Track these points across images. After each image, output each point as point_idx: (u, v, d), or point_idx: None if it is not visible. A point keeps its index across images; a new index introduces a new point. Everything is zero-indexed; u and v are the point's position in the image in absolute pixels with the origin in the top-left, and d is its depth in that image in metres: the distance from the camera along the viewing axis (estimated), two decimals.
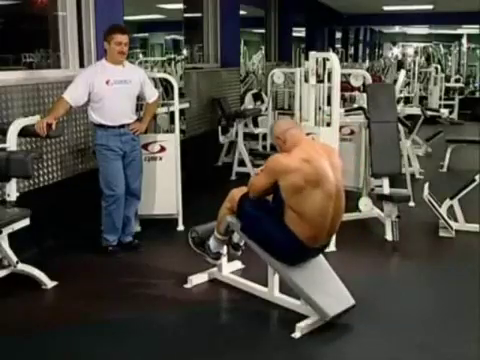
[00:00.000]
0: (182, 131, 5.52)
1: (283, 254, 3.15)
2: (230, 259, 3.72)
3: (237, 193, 3.30)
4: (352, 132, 5.28)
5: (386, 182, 4.75)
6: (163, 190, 4.64)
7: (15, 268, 3.46)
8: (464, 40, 17.78)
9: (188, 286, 3.62)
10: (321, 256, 3.34)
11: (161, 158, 4.64)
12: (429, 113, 7.22)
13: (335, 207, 3.06)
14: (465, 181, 4.72)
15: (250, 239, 3.25)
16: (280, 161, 3.06)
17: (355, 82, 5.66)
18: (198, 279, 3.66)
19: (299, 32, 13.52)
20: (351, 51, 18.75)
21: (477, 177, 4.61)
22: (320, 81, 4.50)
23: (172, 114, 4.85)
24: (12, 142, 3.53)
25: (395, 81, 9.20)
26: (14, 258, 3.44)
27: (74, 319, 3.19)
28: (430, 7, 12.86)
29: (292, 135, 3.13)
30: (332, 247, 4.15)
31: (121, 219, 4.15)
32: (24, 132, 3.65)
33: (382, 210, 4.71)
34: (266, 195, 3.22)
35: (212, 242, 3.50)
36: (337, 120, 4.20)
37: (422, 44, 18.27)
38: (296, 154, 3.03)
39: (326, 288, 3.20)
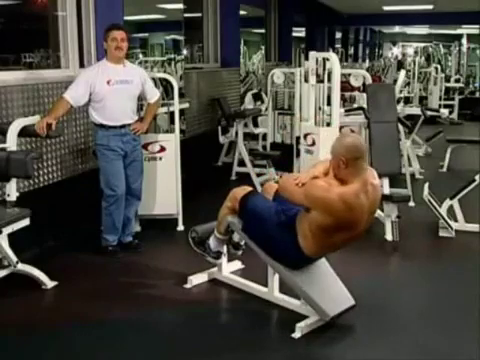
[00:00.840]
0: (182, 131, 5.52)
1: (284, 259, 3.14)
2: (230, 259, 3.72)
3: (239, 192, 3.29)
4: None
5: (386, 182, 4.75)
6: (163, 190, 4.64)
7: (15, 268, 3.46)
8: (464, 40, 17.79)
9: (188, 286, 3.62)
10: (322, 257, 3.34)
11: (161, 158, 4.64)
12: (429, 113, 7.22)
13: (351, 241, 3.04)
14: (465, 181, 4.72)
15: (251, 239, 3.25)
16: (323, 194, 2.79)
17: (355, 82, 5.67)
18: (198, 279, 3.66)
19: (299, 32, 13.52)
20: (351, 51, 18.75)
21: (477, 177, 4.62)
22: (320, 81, 4.51)
23: (172, 114, 4.85)
24: (12, 142, 3.53)
25: (395, 81, 9.21)
26: (14, 258, 3.44)
27: (74, 319, 3.19)
28: (430, 7, 12.85)
29: (358, 168, 2.83)
30: None
31: (121, 219, 4.15)
32: (24, 132, 3.65)
33: (382, 210, 4.71)
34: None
35: (212, 242, 3.50)
36: (337, 120, 4.21)
37: (422, 44, 18.28)
38: (342, 194, 2.77)
39: (326, 288, 3.20)
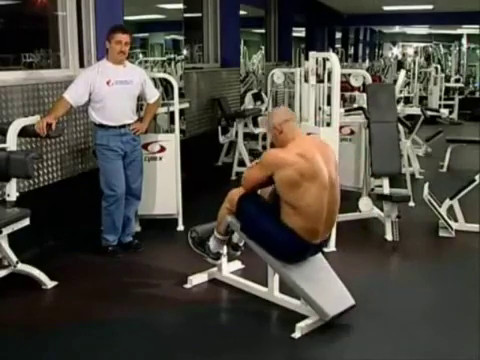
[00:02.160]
0: (182, 131, 5.52)
1: (282, 251, 3.15)
2: (230, 259, 3.72)
3: (236, 193, 3.29)
4: (352, 132, 5.29)
5: (386, 182, 4.75)
6: (163, 190, 4.64)
7: (15, 268, 3.46)
8: (464, 40, 17.79)
9: (188, 286, 3.61)
10: (321, 256, 3.35)
11: (161, 158, 4.64)
12: (429, 113, 7.22)
13: (330, 198, 3.07)
14: (465, 181, 4.72)
15: (250, 239, 3.25)
16: (277, 155, 3.07)
17: (355, 82, 5.66)
18: (198, 279, 3.66)
19: (299, 32, 13.53)
20: (351, 51, 18.76)
21: (477, 177, 4.62)
22: (320, 81, 4.50)
23: (172, 114, 4.85)
24: (12, 142, 3.53)
25: (395, 81, 9.21)
26: (14, 258, 3.44)
27: (74, 319, 3.19)
28: (430, 7, 12.86)
29: (289, 128, 3.13)
30: (332, 247, 4.16)
31: (121, 219, 4.15)
32: (24, 132, 3.65)
33: (382, 210, 4.71)
34: (260, 188, 3.27)
35: (212, 242, 3.50)
36: (337, 120, 4.20)
37: (422, 44, 18.29)
38: (291, 149, 3.05)
39: (326, 288, 3.21)
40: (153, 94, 4.26)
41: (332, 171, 3.10)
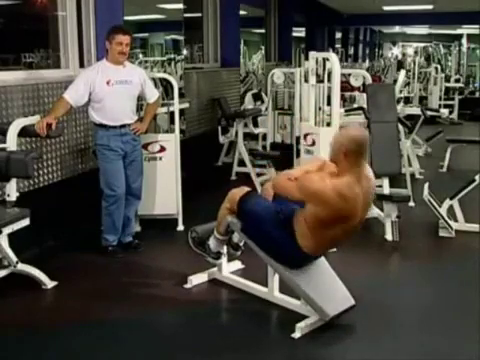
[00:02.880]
0: (182, 131, 5.52)
1: (284, 258, 3.14)
2: (230, 259, 3.72)
3: (237, 193, 3.29)
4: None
5: (386, 182, 4.75)
6: (163, 190, 4.64)
7: (15, 268, 3.46)
8: (464, 40, 17.79)
9: (188, 286, 3.61)
10: (321, 256, 3.34)
11: (161, 158, 4.64)
12: (429, 113, 7.23)
13: (350, 235, 3.06)
14: (465, 181, 4.72)
15: (250, 239, 3.25)
16: (317, 186, 2.82)
17: (355, 82, 5.67)
18: (198, 279, 3.66)
19: (299, 32, 13.53)
20: (351, 51, 18.76)
21: (477, 177, 4.62)
22: (320, 81, 4.50)
23: (172, 114, 4.85)
24: (12, 142, 3.53)
25: (395, 81, 9.21)
26: (14, 258, 3.44)
27: (74, 319, 3.20)
28: (430, 7, 12.86)
29: (356, 162, 2.84)
30: None
31: (121, 219, 4.15)
32: (24, 132, 3.65)
33: (382, 210, 4.71)
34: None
35: (212, 242, 3.50)
36: (337, 120, 4.21)
37: (422, 44, 18.29)
38: (337, 185, 2.80)
39: (326, 288, 3.21)
40: (153, 94, 4.26)
41: (365, 212, 3.00)
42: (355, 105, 6.30)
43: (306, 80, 4.60)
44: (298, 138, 5.08)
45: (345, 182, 2.82)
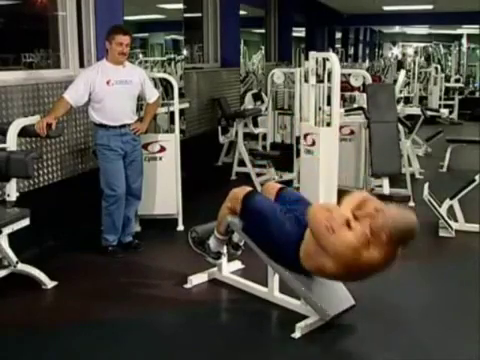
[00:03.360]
0: (182, 131, 5.52)
1: (283, 261, 3.13)
2: (230, 259, 3.72)
3: (239, 192, 3.27)
4: (352, 132, 5.29)
5: (386, 182, 4.76)
6: (163, 190, 4.64)
7: (15, 268, 3.46)
8: (464, 40, 17.79)
9: (188, 286, 3.61)
10: None
11: (161, 158, 4.64)
12: (429, 113, 7.23)
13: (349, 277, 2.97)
14: (465, 181, 4.72)
15: (251, 240, 3.24)
16: (348, 257, 2.65)
17: (355, 82, 5.67)
18: (198, 279, 3.66)
19: (299, 32, 13.53)
20: (351, 51, 18.76)
21: (477, 177, 4.61)
22: (320, 81, 4.51)
23: (172, 114, 4.85)
24: (12, 142, 3.53)
25: (395, 81, 9.22)
26: (14, 258, 3.44)
27: (74, 319, 3.20)
28: (430, 7, 12.86)
29: (397, 248, 2.76)
30: None
31: (121, 219, 4.15)
32: (24, 132, 3.65)
33: None
34: None
35: (212, 242, 3.50)
36: (337, 120, 4.21)
37: (422, 44, 18.30)
38: (371, 259, 2.68)
39: (326, 288, 3.20)
40: (153, 94, 4.26)
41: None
42: (355, 105, 6.30)
43: (306, 80, 4.61)
44: (298, 138, 5.08)
45: (375, 259, 2.68)
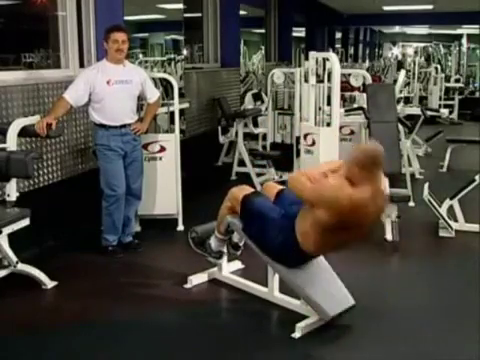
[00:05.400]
0: (182, 131, 5.52)
1: (283, 258, 3.13)
2: (230, 259, 3.72)
3: (238, 192, 3.28)
4: (352, 132, 5.30)
5: (386, 182, 4.74)
6: (163, 190, 4.64)
7: (15, 268, 3.46)
8: (464, 40, 17.80)
9: (188, 286, 3.62)
10: (321, 256, 3.34)
11: (161, 158, 4.64)
12: (429, 113, 7.23)
13: (349, 243, 3.03)
14: (465, 181, 4.72)
15: (251, 239, 3.24)
16: (334, 196, 2.75)
17: (355, 82, 5.68)
18: (198, 279, 3.66)
19: (299, 32, 13.52)
20: (351, 51, 18.75)
21: (477, 177, 4.62)
22: (320, 81, 4.51)
23: (172, 114, 4.85)
24: (12, 142, 3.53)
25: (395, 81, 9.22)
26: (14, 258, 3.44)
27: (74, 319, 3.20)
28: (430, 7, 12.86)
29: (373, 175, 2.82)
30: None
31: (121, 219, 4.15)
32: (24, 132, 3.65)
33: None
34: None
35: (213, 242, 3.50)
36: (337, 120, 4.21)
37: (422, 44, 18.30)
38: (352, 195, 2.74)
39: (326, 288, 3.20)
40: (153, 94, 4.26)
41: (370, 226, 2.99)
42: (355, 105, 6.30)
43: (306, 80, 4.61)
44: (298, 138, 5.08)
45: (361, 194, 2.76)
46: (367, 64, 15.30)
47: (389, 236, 4.49)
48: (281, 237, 3.05)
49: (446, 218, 4.63)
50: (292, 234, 2.99)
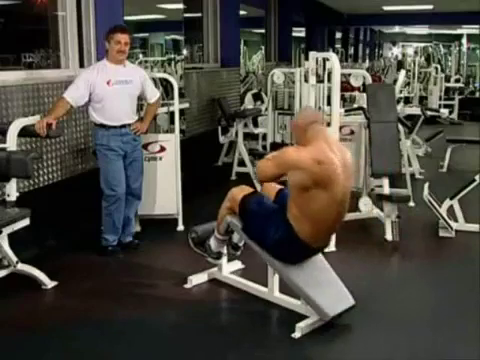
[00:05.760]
0: (182, 131, 5.52)
1: (284, 254, 3.14)
2: (230, 259, 3.72)
3: (237, 193, 3.28)
4: (352, 132, 5.28)
5: (386, 182, 4.75)
6: (163, 190, 4.64)
7: (15, 268, 3.46)
8: (464, 40, 17.81)
9: (188, 286, 3.62)
10: (321, 256, 3.35)
11: (161, 158, 4.64)
12: (429, 113, 7.22)
13: (339, 211, 3.05)
14: (465, 181, 4.72)
15: (251, 239, 3.24)
16: (292, 155, 3.01)
17: (355, 82, 5.66)
18: (198, 279, 3.66)
19: (299, 32, 13.52)
20: (351, 51, 18.75)
21: (477, 177, 4.62)
22: (320, 81, 4.50)
23: (172, 114, 4.85)
24: (12, 142, 3.53)
25: (395, 81, 9.21)
26: (14, 258, 3.44)
27: (74, 319, 3.19)
28: (430, 7, 12.86)
29: (314, 130, 3.04)
30: (332, 247, 4.15)
31: (121, 219, 4.15)
32: (24, 132, 3.65)
33: (382, 210, 4.71)
34: (274, 181, 3.25)
35: (213, 242, 3.50)
36: (337, 120, 4.20)
37: (422, 44, 18.29)
38: (310, 152, 2.95)
39: (326, 288, 3.20)
40: (153, 94, 4.26)
41: (347, 184, 3.04)
42: (355, 105, 6.30)
43: (306, 80, 4.60)
44: None
45: (316, 148, 2.97)
46: (367, 64, 15.30)
47: (389, 236, 4.49)
48: (280, 232, 3.06)
49: (446, 218, 4.63)
50: (289, 226, 3.02)
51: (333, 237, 4.09)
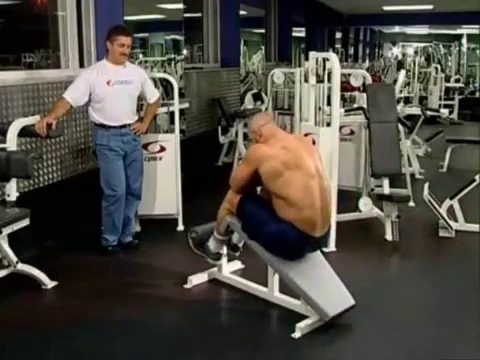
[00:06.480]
0: (182, 131, 5.52)
1: (281, 245, 3.13)
2: (230, 259, 3.72)
3: (235, 195, 3.30)
4: (352, 132, 5.28)
5: (386, 182, 4.75)
6: (163, 190, 4.64)
7: (15, 268, 3.46)
8: (464, 40, 17.80)
9: (188, 286, 3.62)
10: (321, 256, 3.35)
11: (161, 158, 4.64)
12: (429, 113, 7.22)
13: (320, 185, 3.12)
14: (465, 181, 4.72)
15: (250, 239, 3.24)
16: (258, 149, 3.23)
17: (355, 82, 5.66)
18: (198, 279, 3.66)
19: (299, 32, 13.52)
20: (351, 51, 18.75)
21: (477, 177, 4.61)
22: (320, 81, 4.50)
23: (172, 114, 4.85)
24: (12, 142, 3.53)
25: (395, 81, 9.20)
26: (14, 258, 3.44)
27: (74, 319, 3.20)
28: (430, 7, 12.86)
29: (267, 129, 3.27)
30: (332, 247, 4.16)
31: (121, 219, 4.15)
32: (24, 132, 3.65)
33: (382, 210, 4.71)
34: (249, 187, 3.27)
35: (212, 242, 3.50)
36: (337, 120, 4.20)
37: (422, 44, 18.29)
38: (274, 143, 3.19)
39: (326, 288, 3.21)
40: (153, 94, 4.26)
41: (316, 161, 3.21)
42: (355, 105, 6.29)
43: (306, 80, 4.60)
44: None
45: (276, 139, 3.23)
46: (367, 64, 15.29)
47: (389, 236, 4.49)
48: (275, 225, 3.09)
49: (446, 218, 4.63)
50: (282, 220, 3.06)
51: (333, 237, 4.10)
